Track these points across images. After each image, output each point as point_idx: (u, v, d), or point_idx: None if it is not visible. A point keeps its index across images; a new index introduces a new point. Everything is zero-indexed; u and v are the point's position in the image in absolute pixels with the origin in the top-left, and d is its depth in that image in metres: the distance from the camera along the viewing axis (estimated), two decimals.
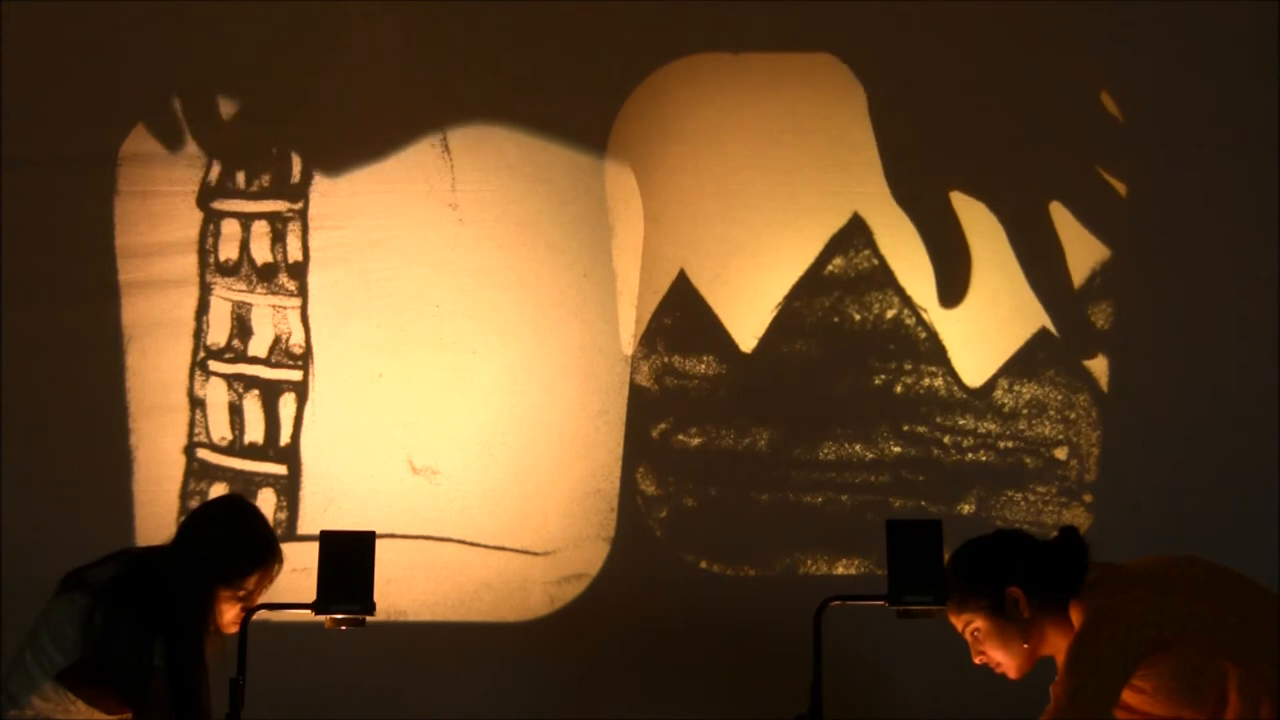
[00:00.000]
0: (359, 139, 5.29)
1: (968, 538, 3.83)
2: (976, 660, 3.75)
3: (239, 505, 4.07)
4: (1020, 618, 3.66)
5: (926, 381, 5.25)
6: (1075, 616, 3.60)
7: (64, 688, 3.77)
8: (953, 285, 5.23)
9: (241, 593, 3.89)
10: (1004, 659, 3.71)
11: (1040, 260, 5.24)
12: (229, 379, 5.25)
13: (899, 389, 5.26)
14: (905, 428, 5.24)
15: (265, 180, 5.30)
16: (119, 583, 3.82)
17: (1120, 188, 5.27)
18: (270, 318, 5.26)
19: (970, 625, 3.72)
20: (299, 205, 5.29)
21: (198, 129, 5.29)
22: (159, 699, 3.73)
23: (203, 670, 3.81)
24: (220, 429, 5.23)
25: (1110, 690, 3.51)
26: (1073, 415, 5.24)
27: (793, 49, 5.31)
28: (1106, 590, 3.60)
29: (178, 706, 3.73)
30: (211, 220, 5.29)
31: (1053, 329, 5.24)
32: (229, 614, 3.90)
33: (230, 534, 3.92)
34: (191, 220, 5.28)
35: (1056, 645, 3.66)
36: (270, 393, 5.24)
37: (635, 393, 5.25)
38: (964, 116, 5.29)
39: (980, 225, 5.26)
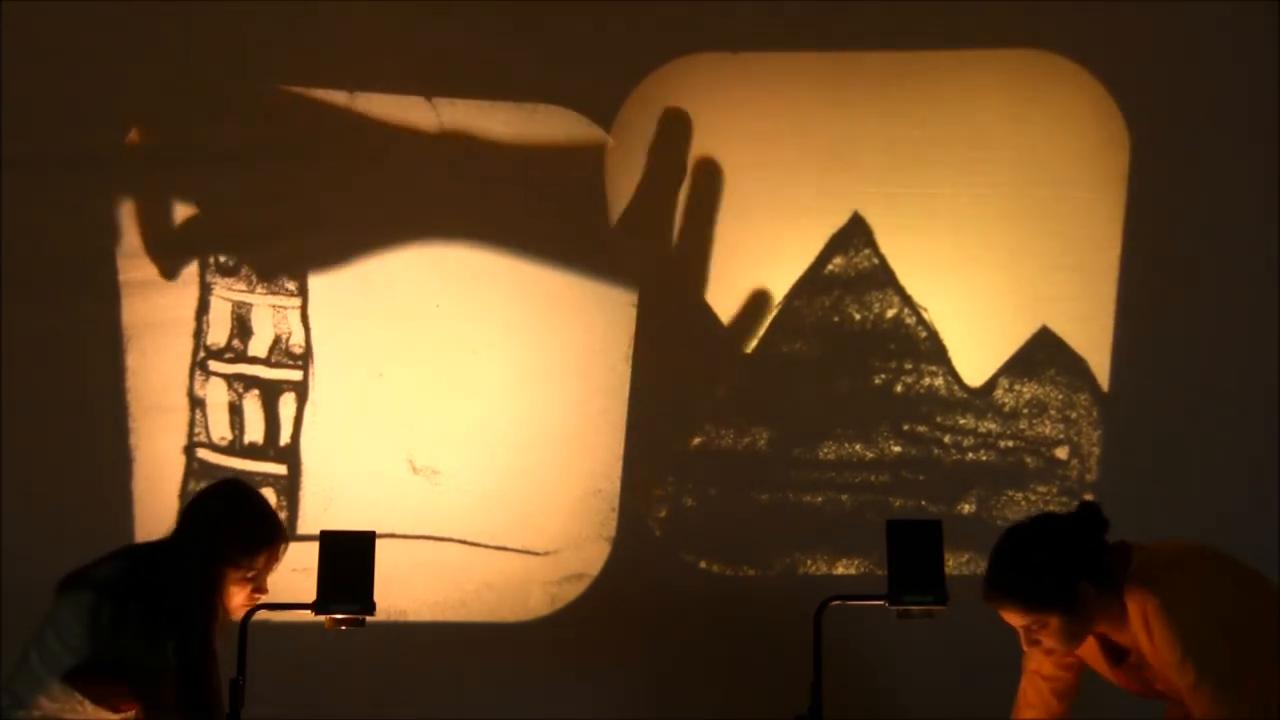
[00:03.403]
0: (359, 139, 5.29)
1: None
2: (1028, 648, 3.72)
3: (238, 487, 4.06)
4: (1092, 610, 3.64)
5: (926, 381, 5.25)
6: (1129, 600, 3.60)
7: (72, 687, 3.76)
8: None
9: (251, 574, 3.88)
10: (1058, 646, 3.69)
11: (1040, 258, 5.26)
12: (229, 379, 5.24)
13: (899, 389, 5.25)
14: (905, 427, 5.24)
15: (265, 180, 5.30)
16: (123, 577, 3.80)
17: (1120, 186, 5.28)
18: (270, 318, 5.26)
19: (1041, 624, 3.65)
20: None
21: (197, 127, 5.30)
22: (170, 694, 3.72)
23: (213, 659, 3.78)
24: (220, 429, 5.23)
25: (1255, 665, 3.51)
26: (1073, 415, 5.24)
27: (793, 49, 5.31)
28: (1157, 573, 3.59)
29: (189, 697, 3.71)
30: None
31: (1053, 328, 5.24)
32: (238, 597, 3.88)
33: (234, 515, 3.91)
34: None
35: (1103, 627, 3.67)
36: (270, 393, 5.24)
37: (635, 393, 5.25)
38: (963, 116, 5.29)
39: (981, 224, 5.26)
